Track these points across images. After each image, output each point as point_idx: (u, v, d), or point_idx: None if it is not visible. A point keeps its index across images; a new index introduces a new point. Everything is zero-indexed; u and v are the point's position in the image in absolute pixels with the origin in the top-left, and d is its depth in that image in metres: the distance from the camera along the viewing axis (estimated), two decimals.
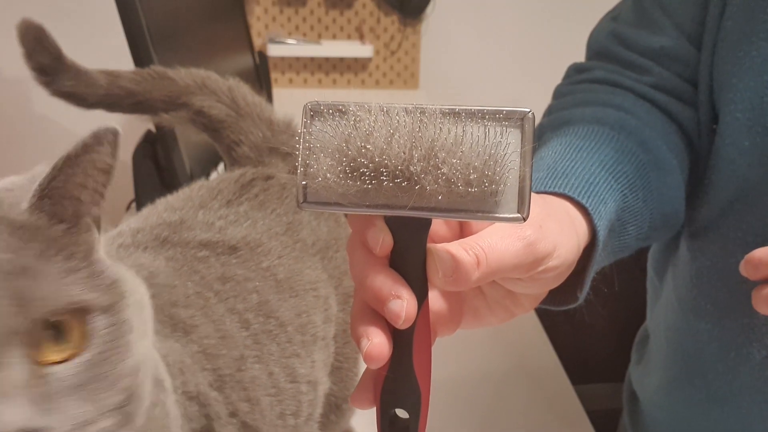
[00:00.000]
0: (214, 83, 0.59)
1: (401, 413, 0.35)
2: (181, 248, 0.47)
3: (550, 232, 0.36)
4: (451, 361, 0.79)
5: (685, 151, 0.57)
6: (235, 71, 1.29)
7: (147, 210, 0.53)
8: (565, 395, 0.76)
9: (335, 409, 0.59)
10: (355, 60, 1.91)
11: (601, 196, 0.44)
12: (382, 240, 0.32)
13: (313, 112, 0.32)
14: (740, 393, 0.57)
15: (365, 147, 0.30)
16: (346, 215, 0.35)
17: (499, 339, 0.84)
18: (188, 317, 0.44)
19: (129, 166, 1.00)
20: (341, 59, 1.90)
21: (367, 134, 0.30)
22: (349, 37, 1.89)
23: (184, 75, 0.59)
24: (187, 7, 1.07)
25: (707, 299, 0.58)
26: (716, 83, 0.55)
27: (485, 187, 0.30)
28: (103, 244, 0.36)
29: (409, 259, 0.33)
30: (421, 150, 0.30)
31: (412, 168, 0.30)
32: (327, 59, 1.89)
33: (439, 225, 0.37)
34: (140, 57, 0.87)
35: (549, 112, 0.59)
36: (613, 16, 0.62)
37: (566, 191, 0.43)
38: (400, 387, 0.34)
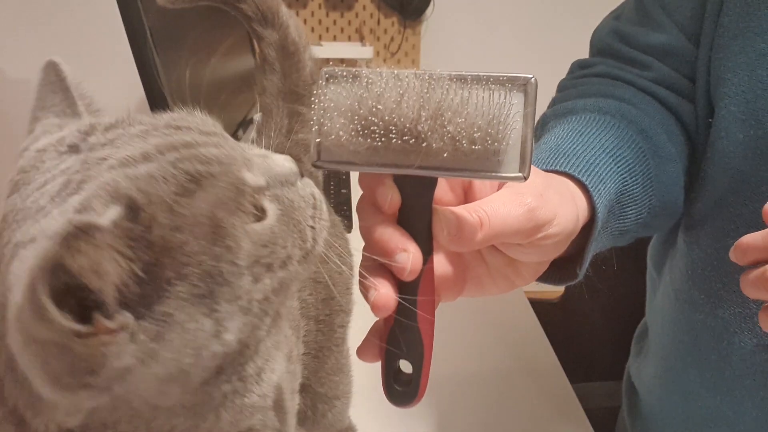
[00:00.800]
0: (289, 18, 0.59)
1: (405, 367, 0.36)
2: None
3: (551, 201, 0.38)
4: (450, 360, 0.80)
5: (684, 142, 0.59)
6: (236, 73, 1.30)
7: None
8: (563, 393, 0.76)
9: (311, 406, 0.56)
10: (356, 61, 1.91)
11: (601, 177, 0.45)
12: (391, 197, 0.34)
13: (329, 76, 0.33)
14: (733, 381, 0.58)
15: (376, 107, 0.32)
16: (358, 175, 0.36)
17: (499, 337, 0.84)
18: None
19: None
20: (342, 60, 1.91)
21: (379, 95, 0.32)
22: (349, 38, 1.89)
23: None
24: (187, 9, 1.07)
25: (701, 290, 0.59)
26: (712, 78, 0.57)
27: (488, 145, 0.32)
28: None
29: (416, 217, 0.34)
30: (428, 110, 0.31)
31: (419, 127, 0.31)
32: (327, 60, 1.90)
33: (444, 191, 0.38)
34: (142, 57, 0.87)
35: (552, 103, 0.61)
36: (615, 15, 0.65)
37: (567, 169, 0.45)
38: (404, 340, 0.35)
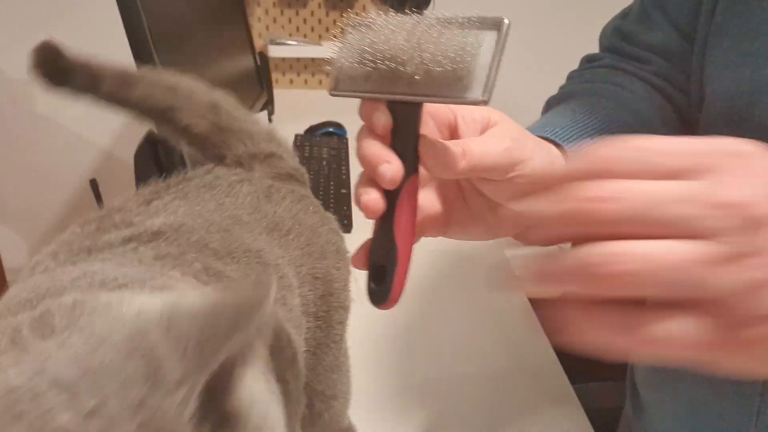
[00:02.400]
0: (198, 98, 0.60)
1: (386, 269, 0.41)
2: (108, 249, 0.45)
3: (527, 146, 0.44)
4: (449, 359, 0.80)
5: (679, 129, 0.62)
6: (236, 72, 1.30)
7: (58, 238, 0.51)
8: (563, 393, 0.76)
9: (308, 404, 0.57)
10: None
11: (583, 135, 0.50)
12: (383, 120, 0.40)
13: (349, 25, 0.42)
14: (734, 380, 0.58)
15: (373, 42, 0.39)
16: (359, 106, 0.43)
17: (498, 337, 0.84)
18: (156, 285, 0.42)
19: (131, 167, 1.01)
20: None
21: (377, 32, 0.39)
22: None
23: (169, 86, 0.60)
24: (188, 8, 1.07)
25: None
26: (704, 76, 0.59)
27: (457, 72, 0.37)
28: (24, 276, 0.41)
29: (404, 139, 0.41)
30: (410, 42, 0.38)
31: (403, 56, 0.38)
32: (328, 60, 1.90)
33: (433, 132, 0.44)
34: (142, 58, 0.87)
35: (559, 90, 0.66)
36: (623, 14, 0.69)
37: (548, 135, 0.49)
38: (385, 243, 0.41)
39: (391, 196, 0.40)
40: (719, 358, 0.28)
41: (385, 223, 0.41)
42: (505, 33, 0.37)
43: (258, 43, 1.84)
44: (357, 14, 0.44)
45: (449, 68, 0.37)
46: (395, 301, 0.41)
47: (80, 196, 2.02)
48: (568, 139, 0.50)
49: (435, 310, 0.89)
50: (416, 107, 0.40)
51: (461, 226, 0.48)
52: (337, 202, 1.18)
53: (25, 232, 2.09)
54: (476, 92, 0.37)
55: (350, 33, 0.41)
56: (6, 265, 1.96)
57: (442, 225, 0.48)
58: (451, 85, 0.37)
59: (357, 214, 1.14)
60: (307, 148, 1.39)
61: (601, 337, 0.29)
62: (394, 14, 0.39)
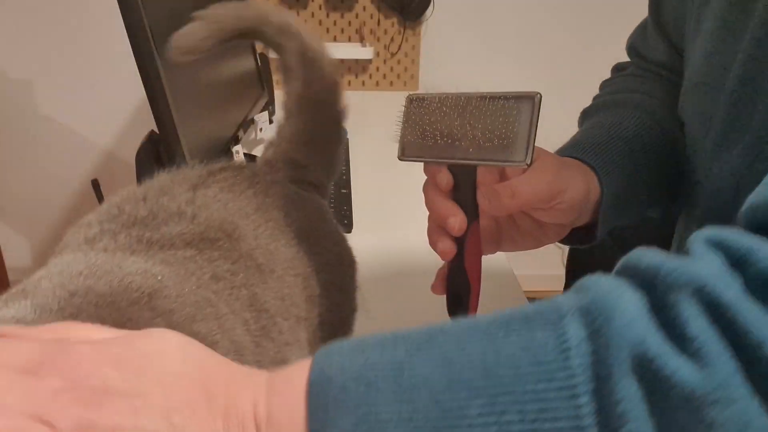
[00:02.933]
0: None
1: (461, 296, 0.52)
2: (169, 250, 0.46)
3: (563, 177, 0.53)
4: None
5: None
6: (237, 73, 1.30)
7: (105, 206, 0.50)
8: None
9: None
10: (356, 62, 1.92)
11: (612, 158, 0.57)
12: (446, 180, 0.51)
13: (411, 100, 0.51)
14: None
15: (432, 121, 0.49)
16: (423, 165, 0.53)
17: None
18: (208, 333, 0.42)
19: (132, 167, 1.01)
20: (342, 61, 1.91)
21: (433, 111, 0.49)
22: (349, 39, 1.90)
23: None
24: (189, 9, 1.08)
25: None
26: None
27: (502, 142, 0.46)
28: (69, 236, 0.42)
29: (464, 192, 0.51)
30: (464, 121, 0.47)
31: (456, 131, 0.48)
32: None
33: (486, 175, 0.53)
34: (142, 58, 0.87)
35: (593, 99, 0.71)
36: (641, 26, 0.73)
37: (578, 156, 0.57)
38: (459, 276, 0.52)
39: (459, 240, 0.51)
40: None
41: (457, 260, 0.51)
42: (538, 104, 0.45)
43: (259, 44, 1.84)
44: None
45: (497, 142, 0.46)
46: None
47: (82, 196, 2.03)
48: (594, 155, 0.57)
49: (435, 309, 0.89)
50: (471, 167, 0.50)
51: (512, 241, 0.58)
52: (337, 202, 1.18)
53: (27, 231, 2.09)
54: (520, 156, 0.46)
55: (411, 106, 0.51)
56: (8, 264, 1.96)
57: (496, 243, 0.58)
58: (499, 151, 0.47)
59: (357, 215, 1.14)
60: None
61: None
62: (444, 93, 0.48)
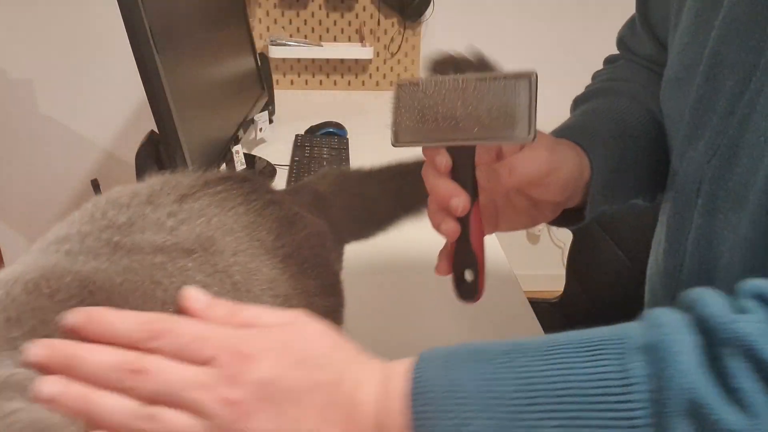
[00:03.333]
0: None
1: (468, 274, 0.53)
2: (136, 255, 0.45)
3: (558, 154, 0.55)
4: None
5: None
6: (237, 73, 1.30)
7: (90, 206, 0.50)
8: None
9: None
10: (356, 62, 1.92)
11: (602, 139, 0.59)
12: (445, 162, 0.50)
13: (399, 85, 0.50)
14: None
15: (429, 103, 0.49)
16: (422, 149, 0.53)
17: (498, 337, 0.84)
18: None
19: (132, 167, 1.01)
20: (342, 61, 1.91)
21: (431, 96, 0.49)
22: (349, 39, 1.90)
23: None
24: (189, 9, 1.08)
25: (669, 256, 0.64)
26: None
27: (504, 121, 0.47)
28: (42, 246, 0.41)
29: (463, 173, 0.51)
30: (462, 102, 0.48)
31: (457, 113, 0.48)
32: (328, 61, 1.90)
33: (483, 153, 0.53)
34: (142, 58, 0.87)
35: (585, 88, 0.73)
36: (630, 20, 0.74)
37: (570, 137, 0.59)
38: (464, 256, 0.52)
39: (463, 220, 0.51)
40: None
41: (462, 240, 0.52)
42: (535, 81, 0.46)
43: (259, 44, 1.85)
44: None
45: (501, 120, 0.47)
46: (481, 295, 0.53)
47: (82, 196, 2.03)
48: (584, 137, 0.59)
49: (434, 309, 0.89)
50: (472, 148, 0.50)
51: (508, 221, 0.59)
52: None
53: (27, 231, 2.09)
54: (524, 132, 0.47)
55: (403, 92, 0.50)
56: (8, 264, 1.96)
57: (494, 223, 0.59)
58: (503, 129, 0.47)
59: None
60: (307, 148, 1.40)
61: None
62: (439, 77, 0.48)
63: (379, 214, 0.64)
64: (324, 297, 0.56)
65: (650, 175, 0.63)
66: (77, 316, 0.38)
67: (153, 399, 0.36)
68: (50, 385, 0.35)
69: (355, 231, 0.63)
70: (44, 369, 0.36)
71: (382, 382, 0.40)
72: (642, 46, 0.71)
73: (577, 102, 0.70)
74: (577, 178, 0.57)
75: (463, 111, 0.48)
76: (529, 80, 0.47)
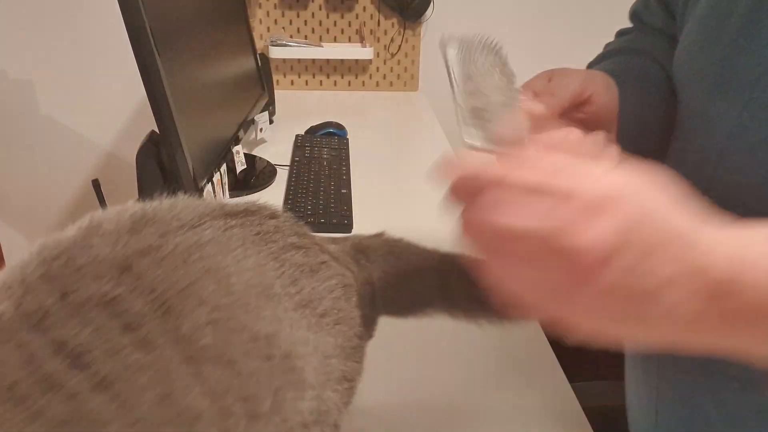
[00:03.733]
0: None
1: None
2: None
3: (590, 78, 0.63)
4: (448, 359, 0.80)
5: None
6: (237, 73, 1.31)
7: (83, 229, 0.41)
8: (562, 392, 0.76)
9: None
10: (356, 62, 1.92)
11: (627, 78, 0.65)
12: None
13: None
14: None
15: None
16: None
17: (497, 337, 0.85)
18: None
19: (133, 167, 1.01)
20: (342, 61, 1.91)
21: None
22: (349, 39, 1.90)
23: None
24: (189, 9, 1.08)
25: None
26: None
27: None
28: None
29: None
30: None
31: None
32: (328, 61, 1.91)
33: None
34: (143, 58, 0.88)
35: (598, 55, 0.76)
36: None
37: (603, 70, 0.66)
38: None
39: None
40: (579, 311, 0.36)
41: None
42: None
43: (259, 45, 1.85)
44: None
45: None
46: None
47: (83, 196, 2.03)
48: (617, 76, 0.64)
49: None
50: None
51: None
52: (337, 202, 1.18)
53: (28, 231, 2.09)
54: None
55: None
56: (9, 263, 1.96)
57: None
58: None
59: (357, 215, 1.15)
60: (307, 148, 1.40)
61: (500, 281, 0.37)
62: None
63: (419, 291, 0.56)
64: (342, 360, 0.49)
65: (667, 126, 0.66)
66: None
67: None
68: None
69: (389, 298, 0.55)
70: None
71: (738, 250, 0.36)
72: (655, 18, 0.73)
73: (591, 66, 0.73)
74: (610, 104, 0.62)
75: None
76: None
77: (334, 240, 0.54)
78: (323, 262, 0.49)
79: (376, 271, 0.54)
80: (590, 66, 0.73)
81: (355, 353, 0.50)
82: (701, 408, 0.59)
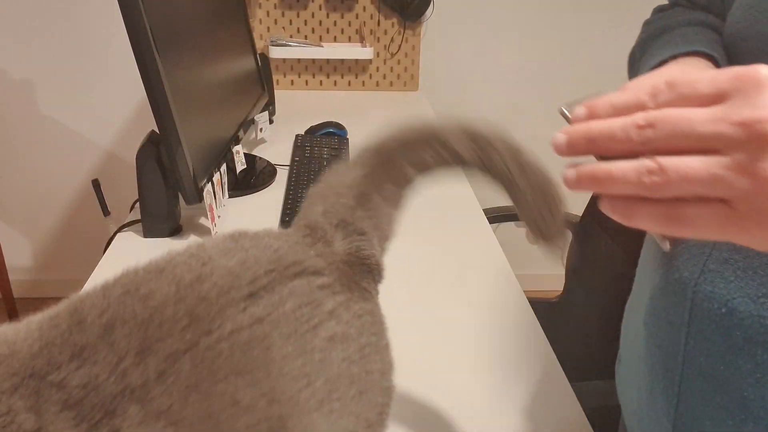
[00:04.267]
0: None
1: None
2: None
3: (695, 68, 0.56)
4: (448, 358, 0.80)
5: None
6: (237, 73, 1.31)
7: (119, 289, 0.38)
8: (562, 392, 0.76)
9: None
10: (356, 62, 1.92)
11: (718, 49, 0.61)
12: None
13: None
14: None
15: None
16: None
17: (498, 337, 0.85)
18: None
19: (133, 167, 1.01)
20: (342, 61, 1.91)
21: None
22: (349, 39, 1.90)
23: None
24: (189, 9, 1.08)
25: (647, 246, 0.63)
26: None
27: None
28: None
29: None
30: None
31: None
32: (328, 61, 1.91)
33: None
34: (143, 58, 0.88)
35: (644, 31, 0.72)
36: None
37: (698, 48, 0.59)
38: None
39: None
40: (737, 233, 0.36)
41: None
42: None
43: (259, 45, 1.85)
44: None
45: None
46: None
47: (83, 196, 2.03)
48: (713, 50, 0.60)
49: (433, 309, 0.89)
50: None
51: None
52: None
53: (27, 231, 2.09)
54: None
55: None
56: (8, 264, 1.96)
57: None
58: None
59: None
60: (307, 148, 1.40)
61: (648, 220, 0.37)
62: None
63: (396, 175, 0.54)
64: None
65: None
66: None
67: (664, 149, 0.36)
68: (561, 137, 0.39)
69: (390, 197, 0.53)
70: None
71: None
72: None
73: (635, 53, 0.70)
74: None
75: None
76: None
77: (278, 236, 0.46)
78: (360, 316, 0.46)
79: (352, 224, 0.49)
80: (641, 46, 0.71)
81: (385, 394, 0.49)
82: (737, 394, 0.56)
